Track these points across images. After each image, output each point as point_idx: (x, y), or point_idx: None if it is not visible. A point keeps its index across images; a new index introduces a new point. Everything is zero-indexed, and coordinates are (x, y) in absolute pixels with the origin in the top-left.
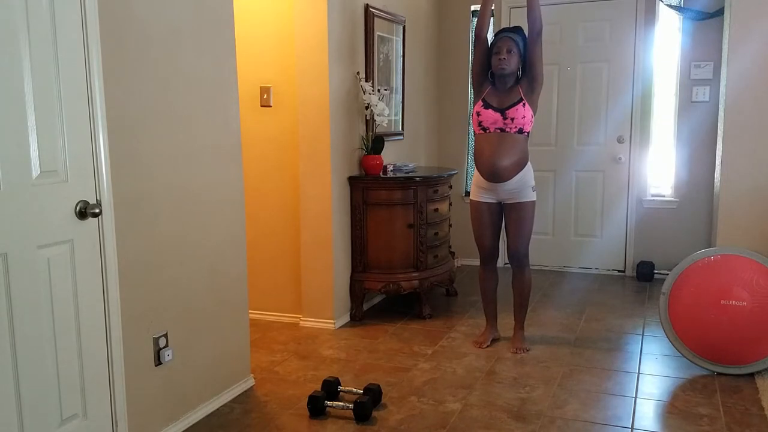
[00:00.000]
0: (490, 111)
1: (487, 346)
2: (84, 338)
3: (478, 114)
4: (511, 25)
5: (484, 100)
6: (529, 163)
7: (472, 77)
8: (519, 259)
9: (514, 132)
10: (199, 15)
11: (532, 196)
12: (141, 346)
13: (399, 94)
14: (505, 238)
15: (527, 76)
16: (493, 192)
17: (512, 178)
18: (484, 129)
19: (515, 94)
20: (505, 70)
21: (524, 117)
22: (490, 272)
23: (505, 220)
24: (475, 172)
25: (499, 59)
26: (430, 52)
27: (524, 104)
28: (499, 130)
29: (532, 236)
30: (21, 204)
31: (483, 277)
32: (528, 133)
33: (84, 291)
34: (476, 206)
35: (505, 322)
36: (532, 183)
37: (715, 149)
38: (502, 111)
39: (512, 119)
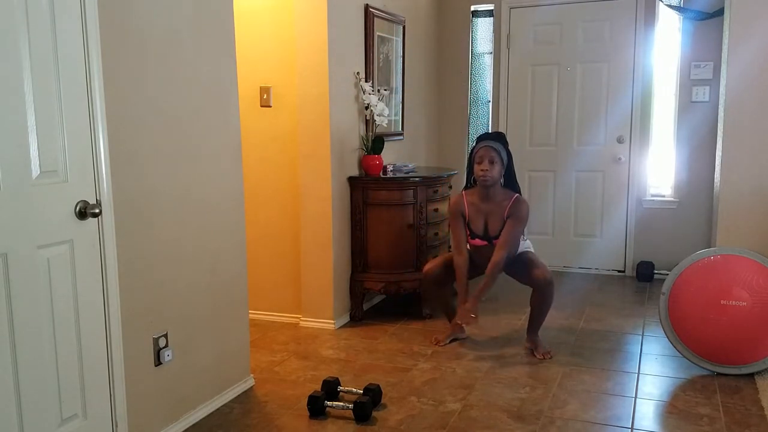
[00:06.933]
0: (477, 240)
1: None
2: (84, 338)
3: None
4: (494, 132)
5: (469, 228)
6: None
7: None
8: (546, 284)
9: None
10: (199, 15)
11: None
12: (141, 346)
13: (399, 94)
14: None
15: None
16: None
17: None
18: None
19: (500, 215)
20: (488, 181)
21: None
22: (447, 276)
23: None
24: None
25: (482, 170)
26: (430, 52)
27: (508, 219)
28: (487, 242)
29: (532, 236)
30: (21, 204)
31: (430, 276)
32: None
33: (84, 291)
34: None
35: (508, 319)
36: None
37: (715, 149)
38: (489, 240)
39: (497, 236)
